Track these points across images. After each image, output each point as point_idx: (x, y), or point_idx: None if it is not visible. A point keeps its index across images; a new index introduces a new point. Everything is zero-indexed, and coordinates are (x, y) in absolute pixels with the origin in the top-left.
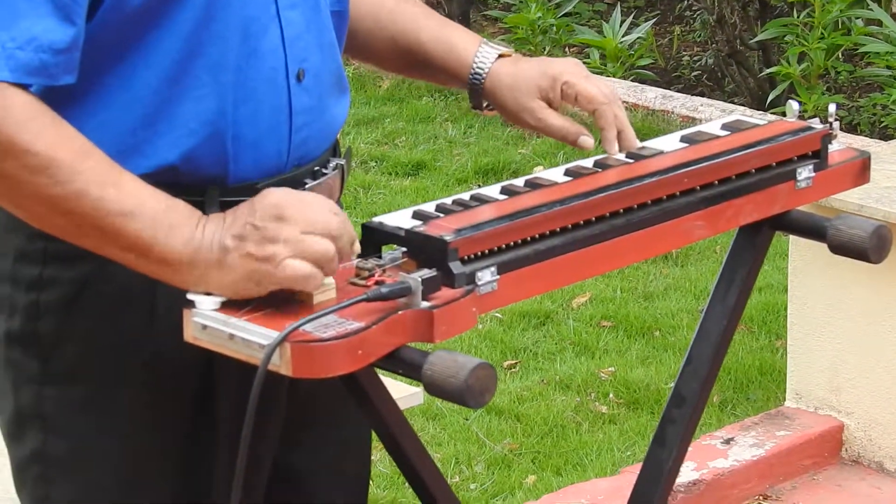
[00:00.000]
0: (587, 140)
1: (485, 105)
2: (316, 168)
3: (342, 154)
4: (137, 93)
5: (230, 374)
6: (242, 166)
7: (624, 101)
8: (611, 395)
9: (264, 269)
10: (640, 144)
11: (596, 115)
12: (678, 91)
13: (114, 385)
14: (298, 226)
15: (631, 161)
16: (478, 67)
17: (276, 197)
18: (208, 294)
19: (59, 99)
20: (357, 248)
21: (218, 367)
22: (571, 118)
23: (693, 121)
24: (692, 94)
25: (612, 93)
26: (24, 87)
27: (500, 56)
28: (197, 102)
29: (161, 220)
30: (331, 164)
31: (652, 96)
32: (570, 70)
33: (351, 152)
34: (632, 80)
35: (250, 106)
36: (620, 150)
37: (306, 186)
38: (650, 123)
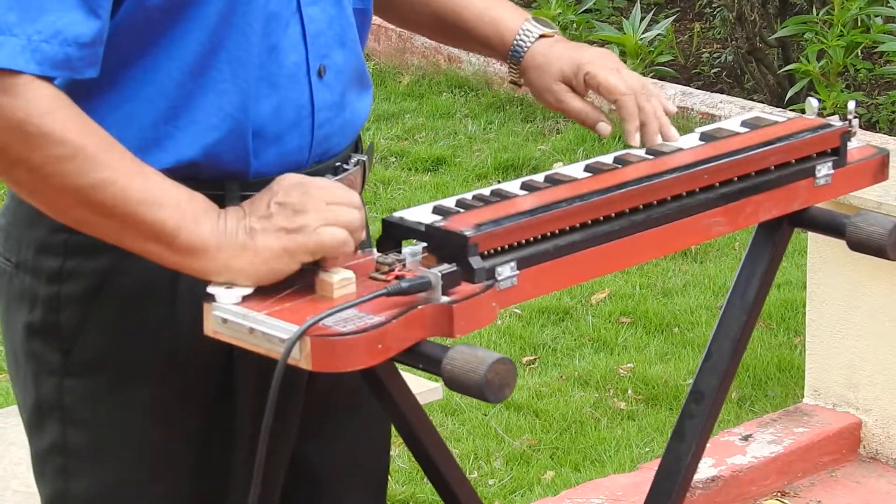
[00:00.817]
0: (604, 126)
1: (521, 80)
2: (337, 164)
3: (364, 150)
4: (161, 86)
5: (250, 367)
6: (263, 161)
7: None
8: (629, 392)
9: (298, 240)
10: (663, 140)
11: (617, 106)
12: (698, 88)
13: (134, 377)
14: (323, 197)
15: (650, 157)
16: (517, 46)
17: (294, 177)
18: (230, 287)
19: (82, 92)
20: (365, 235)
21: (238, 360)
22: (594, 105)
23: (712, 118)
24: (712, 91)
25: (640, 85)
26: (49, 79)
27: (542, 36)
28: (219, 97)
29: (185, 210)
30: (352, 160)
31: (671, 93)
32: (598, 60)
33: (372, 148)
34: (651, 77)
35: (272, 101)
36: (642, 143)
37: None
38: (670, 120)
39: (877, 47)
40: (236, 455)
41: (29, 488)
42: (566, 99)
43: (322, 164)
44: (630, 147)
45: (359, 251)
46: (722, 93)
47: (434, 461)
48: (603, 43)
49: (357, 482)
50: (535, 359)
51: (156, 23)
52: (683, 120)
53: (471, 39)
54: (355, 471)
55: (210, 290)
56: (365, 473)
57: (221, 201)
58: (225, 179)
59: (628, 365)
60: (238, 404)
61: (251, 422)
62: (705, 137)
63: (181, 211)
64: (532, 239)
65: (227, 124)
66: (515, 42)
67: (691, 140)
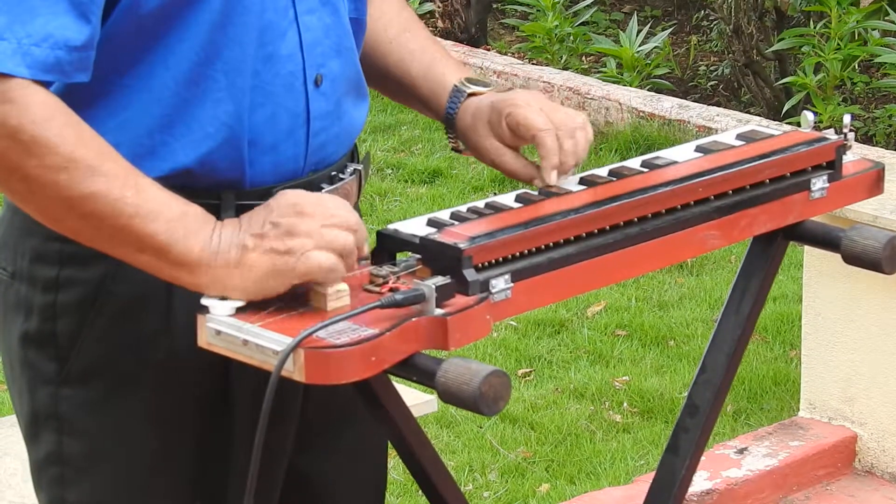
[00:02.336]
0: (538, 182)
1: (461, 145)
2: (333, 173)
3: (360, 159)
4: (156, 94)
5: (245, 378)
6: (259, 170)
7: (640, 111)
8: (625, 404)
9: (287, 263)
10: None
11: (535, 143)
12: (694, 101)
13: (130, 387)
14: (318, 220)
15: (645, 170)
16: (449, 108)
17: (293, 195)
18: (223, 299)
19: (79, 99)
20: (366, 250)
21: (234, 371)
22: (529, 161)
23: (709, 130)
24: (708, 104)
25: (564, 122)
26: (44, 85)
27: (472, 95)
28: (214, 105)
29: (179, 223)
30: (348, 169)
31: (668, 106)
32: (520, 99)
33: (369, 159)
34: (648, 90)
35: (267, 110)
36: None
37: (323, 191)
38: (666, 133)
39: (873, 60)
40: (233, 465)
41: (24, 499)
42: (500, 157)
43: (318, 173)
44: (548, 185)
45: (355, 267)
46: (719, 105)
47: (428, 474)
48: (600, 55)
49: (354, 494)
50: (530, 371)
51: (148, 30)
52: (680, 133)
53: (418, 101)
54: (352, 483)
55: (204, 301)
56: (362, 485)
57: (217, 210)
58: (220, 188)
59: (624, 378)
60: (235, 414)
61: (248, 432)
62: (701, 150)
63: (174, 225)
64: (527, 251)
65: (223, 133)
66: (448, 105)
67: (687, 153)
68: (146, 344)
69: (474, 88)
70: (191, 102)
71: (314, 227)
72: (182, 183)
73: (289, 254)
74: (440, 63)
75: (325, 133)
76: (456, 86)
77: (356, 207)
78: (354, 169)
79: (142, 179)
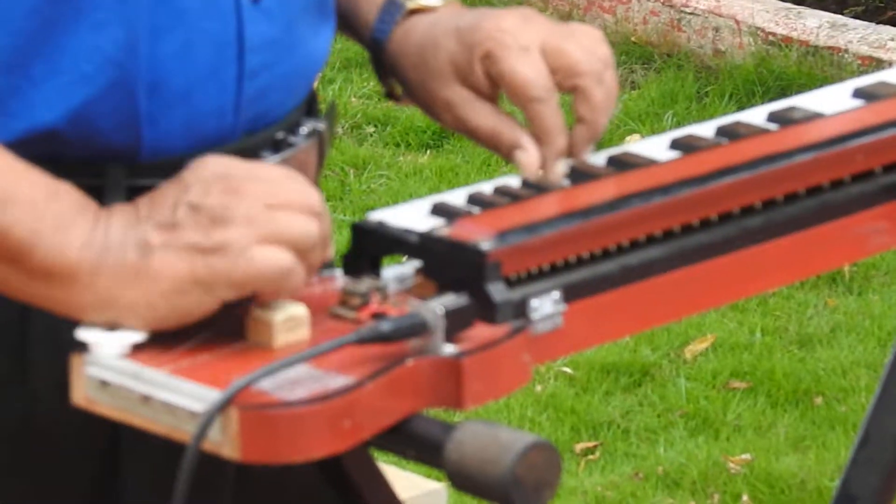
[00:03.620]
0: (524, 158)
1: (399, 93)
2: (280, 135)
3: (321, 113)
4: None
5: (144, 453)
6: (163, 131)
7: (769, 33)
8: (745, 497)
9: (217, 265)
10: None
11: (525, 118)
12: (855, 17)
13: None
14: (260, 197)
15: (775, 127)
16: (377, 34)
17: (218, 163)
18: (112, 328)
19: None
20: (331, 252)
21: (126, 442)
22: (510, 119)
23: (878, 63)
24: (878, 22)
25: (586, 57)
26: None
27: (414, 11)
28: (94, 32)
29: (44, 212)
30: (303, 129)
31: (814, 25)
32: (500, 33)
33: (335, 111)
34: (782, 0)
35: (177, 37)
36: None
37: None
38: (811, 67)
39: None
40: None
41: None
42: (466, 114)
43: (256, 134)
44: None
45: (315, 275)
46: (893, 24)
47: None
48: None
49: None
50: (595, 445)
51: None
52: (832, 67)
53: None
54: None
55: (82, 334)
56: None
57: (99, 194)
58: (103, 160)
59: (743, 456)
60: (127, 495)
61: None
62: (861, 95)
63: (37, 213)
64: (587, 256)
65: (107, 74)
66: (376, 26)
67: (840, 99)
68: None
69: (421, 2)
70: (56, 25)
71: (255, 207)
72: (43, 152)
73: (218, 252)
74: None
75: (268, 73)
76: None
77: (315, 186)
78: (313, 128)
79: None
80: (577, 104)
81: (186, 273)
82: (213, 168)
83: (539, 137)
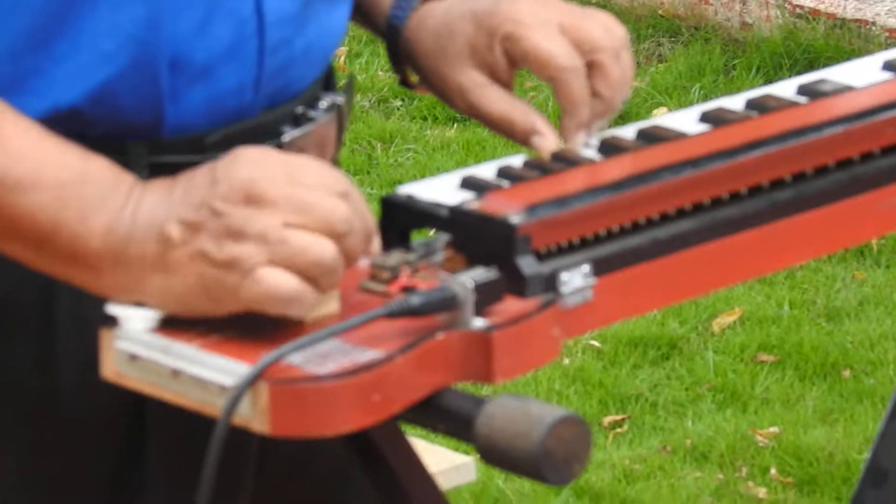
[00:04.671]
0: (540, 143)
1: (414, 80)
2: (299, 109)
3: (340, 87)
4: None
5: (171, 427)
6: (185, 108)
7: (799, 6)
8: (773, 471)
9: (225, 281)
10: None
11: (553, 89)
12: None
13: None
14: (281, 212)
15: (804, 100)
16: (393, 21)
17: (251, 166)
18: (139, 305)
19: None
20: (376, 246)
21: (152, 416)
22: (525, 105)
23: None
24: None
25: (604, 35)
26: None
27: None
28: (115, 11)
29: (69, 197)
30: (322, 104)
31: None
32: (519, 14)
33: (354, 84)
34: None
35: (197, 14)
36: (589, 145)
37: (284, 137)
38: (838, 40)
39: None
40: None
41: None
42: (479, 98)
43: (275, 109)
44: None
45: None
46: None
47: None
48: None
49: None
50: (623, 419)
51: None
52: (860, 40)
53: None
54: None
55: (111, 310)
56: None
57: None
58: (125, 137)
59: (771, 429)
60: (151, 481)
61: None
62: (891, 68)
63: (62, 198)
64: (617, 229)
65: (128, 52)
66: (392, 13)
67: (869, 72)
68: (14, 381)
69: None
70: (77, 4)
71: (271, 224)
72: (65, 130)
73: (228, 267)
74: None
75: (288, 48)
76: None
77: (334, 162)
78: (332, 103)
79: (6, 124)
80: (594, 80)
81: (196, 280)
82: (245, 166)
83: (564, 108)
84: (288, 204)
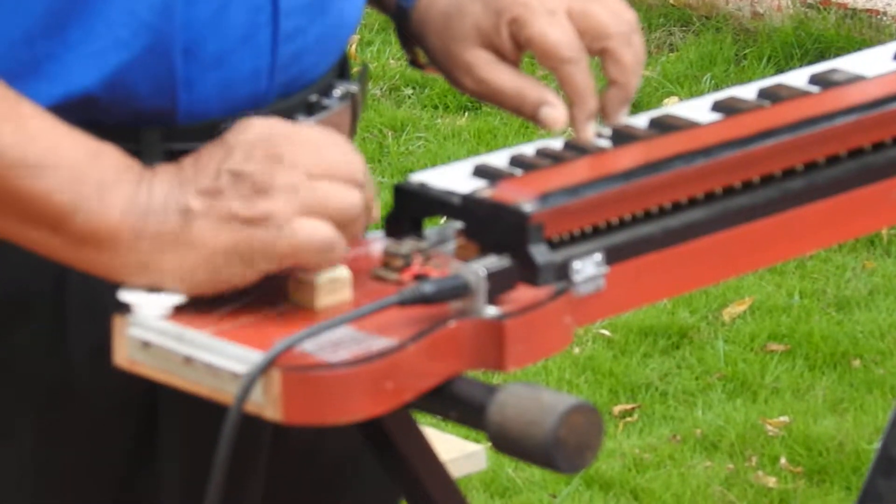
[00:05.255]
0: (551, 113)
1: (423, 60)
2: (313, 97)
3: (354, 76)
4: None
5: (183, 415)
6: (199, 95)
7: None
8: (783, 461)
9: (258, 237)
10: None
11: (557, 80)
12: None
13: (3, 430)
14: (303, 166)
15: (815, 89)
16: (403, 0)
17: (263, 126)
18: (153, 291)
19: None
20: (376, 214)
21: (164, 403)
22: (534, 81)
23: None
24: None
25: (613, 20)
26: None
27: None
28: None
29: (85, 175)
30: (336, 92)
31: None
32: None
33: (368, 73)
34: None
35: (211, 1)
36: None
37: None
38: (849, 30)
39: None
40: None
41: None
42: (487, 74)
43: (290, 98)
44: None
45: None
46: None
47: None
48: None
49: None
50: (633, 408)
51: None
52: (871, 30)
53: None
54: None
55: (124, 296)
56: None
57: (136, 160)
58: (140, 123)
59: (781, 418)
60: (162, 469)
61: (182, 497)
62: None
63: (76, 178)
64: (629, 218)
65: (143, 38)
66: None
67: (879, 62)
68: (25, 368)
69: None
70: None
71: (297, 178)
72: (80, 117)
73: (260, 223)
74: None
75: (303, 36)
76: None
77: None
78: (346, 91)
79: (23, 109)
80: (607, 67)
81: (227, 243)
82: (256, 130)
83: (571, 99)
84: (308, 157)
